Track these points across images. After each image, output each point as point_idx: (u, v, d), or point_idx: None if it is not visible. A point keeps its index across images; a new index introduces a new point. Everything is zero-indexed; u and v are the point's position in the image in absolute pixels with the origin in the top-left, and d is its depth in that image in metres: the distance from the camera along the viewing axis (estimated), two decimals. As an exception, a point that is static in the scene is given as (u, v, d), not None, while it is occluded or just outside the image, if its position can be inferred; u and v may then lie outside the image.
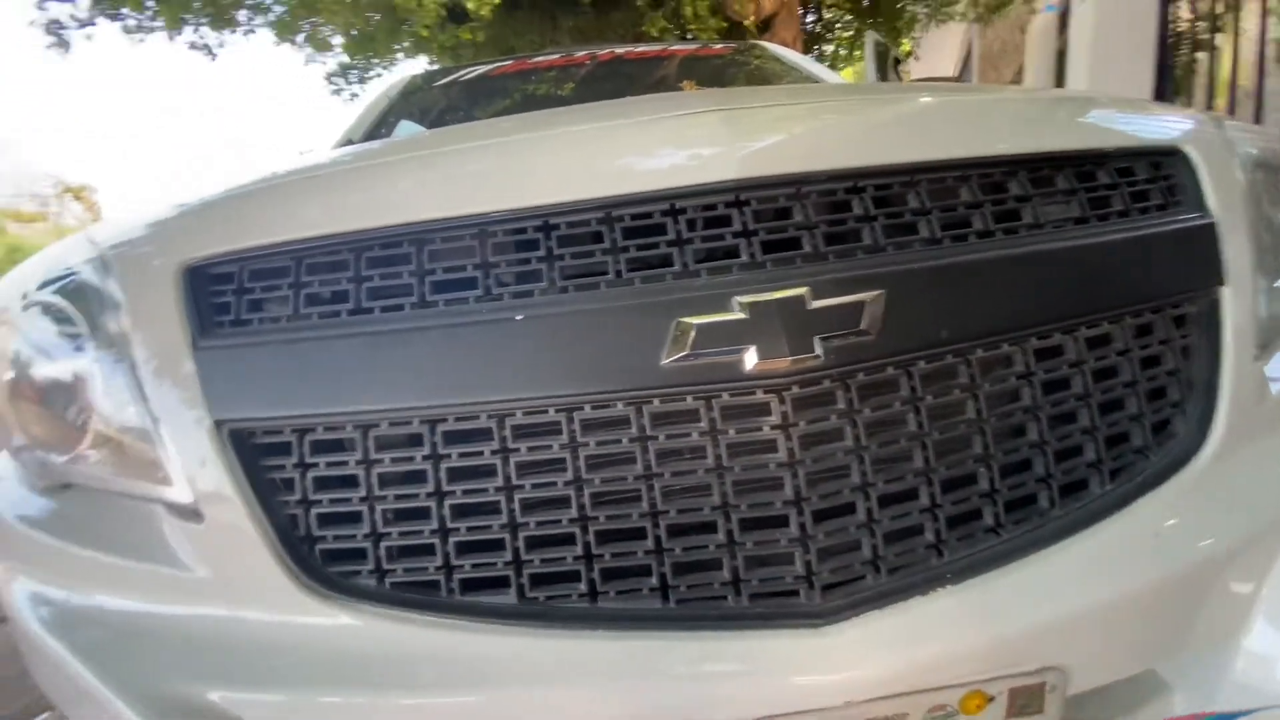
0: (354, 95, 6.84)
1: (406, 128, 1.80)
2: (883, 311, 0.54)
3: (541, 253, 0.57)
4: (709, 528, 0.54)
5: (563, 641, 0.52)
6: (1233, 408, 0.63)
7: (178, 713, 0.49)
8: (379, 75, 6.88)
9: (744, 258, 0.55)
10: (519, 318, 0.54)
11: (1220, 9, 2.61)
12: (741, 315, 0.52)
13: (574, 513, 0.54)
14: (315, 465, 0.56)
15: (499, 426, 0.54)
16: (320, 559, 0.56)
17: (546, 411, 0.54)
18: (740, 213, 0.56)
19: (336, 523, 0.56)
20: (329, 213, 0.60)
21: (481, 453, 0.54)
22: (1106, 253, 0.63)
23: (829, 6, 7.02)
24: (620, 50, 2.39)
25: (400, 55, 6.69)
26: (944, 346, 0.56)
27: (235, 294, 0.60)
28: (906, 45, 7.16)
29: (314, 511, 0.56)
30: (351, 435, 0.56)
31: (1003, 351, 0.59)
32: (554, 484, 0.54)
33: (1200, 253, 0.66)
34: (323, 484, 0.56)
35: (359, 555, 0.56)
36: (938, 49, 8.99)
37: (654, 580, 0.53)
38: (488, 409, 0.54)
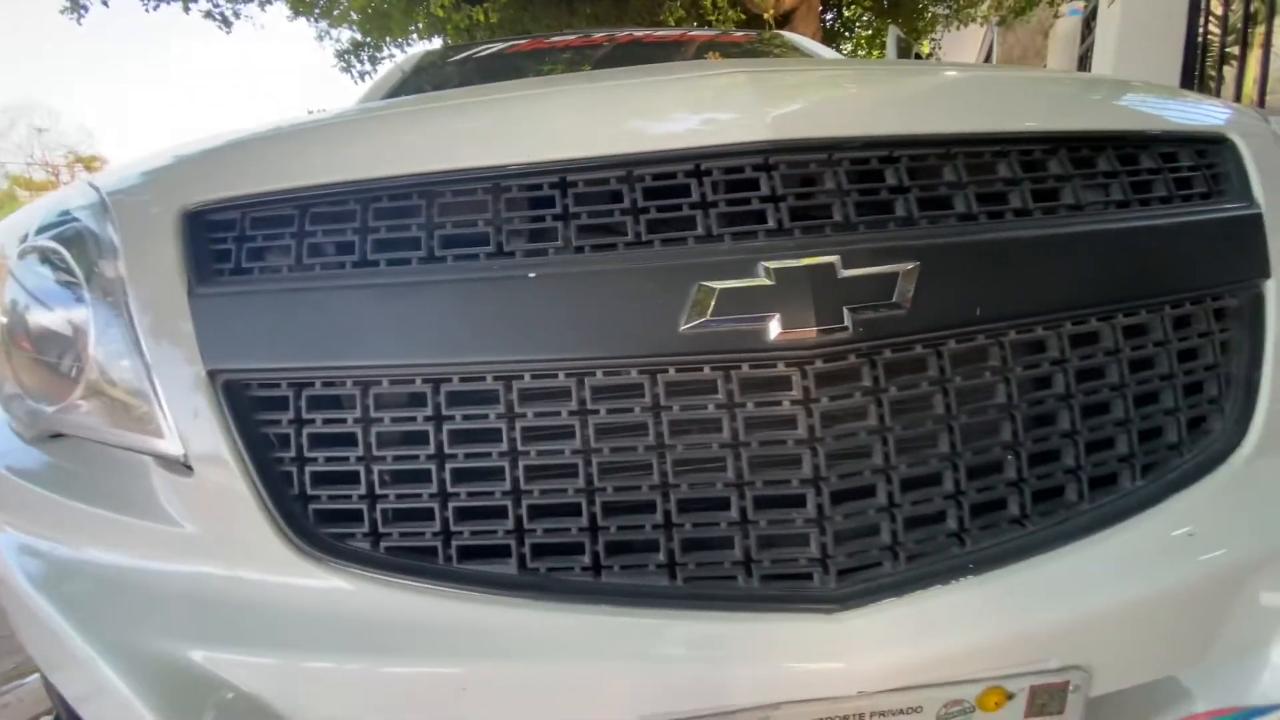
0: (364, 74, 6.80)
1: None
2: (916, 285, 0.51)
3: (557, 210, 0.54)
4: (721, 504, 0.51)
5: (563, 615, 0.49)
6: (1273, 407, 0.60)
7: (158, 671, 0.46)
8: (391, 56, 6.83)
9: (771, 224, 0.52)
10: (531, 276, 0.51)
11: (1248, 24, 2.55)
12: (767, 281, 0.49)
13: (580, 482, 0.51)
14: (311, 421, 0.54)
15: (505, 389, 0.52)
16: (313, 519, 0.53)
17: (556, 375, 0.52)
18: (769, 177, 0.54)
19: (331, 482, 0.54)
20: (337, 161, 0.58)
21: (486, 415, 0.52)
22: (1147, 238, 0.60)
23: (849, 4, 6.94)
24: (639, 33, 2.34)
25: (414, 35, 6.64)
26: (977, 326, 0.54)
27: (236, 241, 0.58)
28: (925, 46, 7.08)
29: (308, 470, 0.53)
30: (350, 392, 0.53)
31: (1036, 335, 0.56)
32: (561, 451, 0.52)
33: (1245, 244, 0.63)
34: (318, 441, 0.54)
35: (354, 517, 0.53)
36: (957, 51, 8.89)
37: (661, 556, 0.51)
38: (494, 370, 0.52)
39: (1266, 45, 2.30)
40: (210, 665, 0.48)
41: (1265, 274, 0.62)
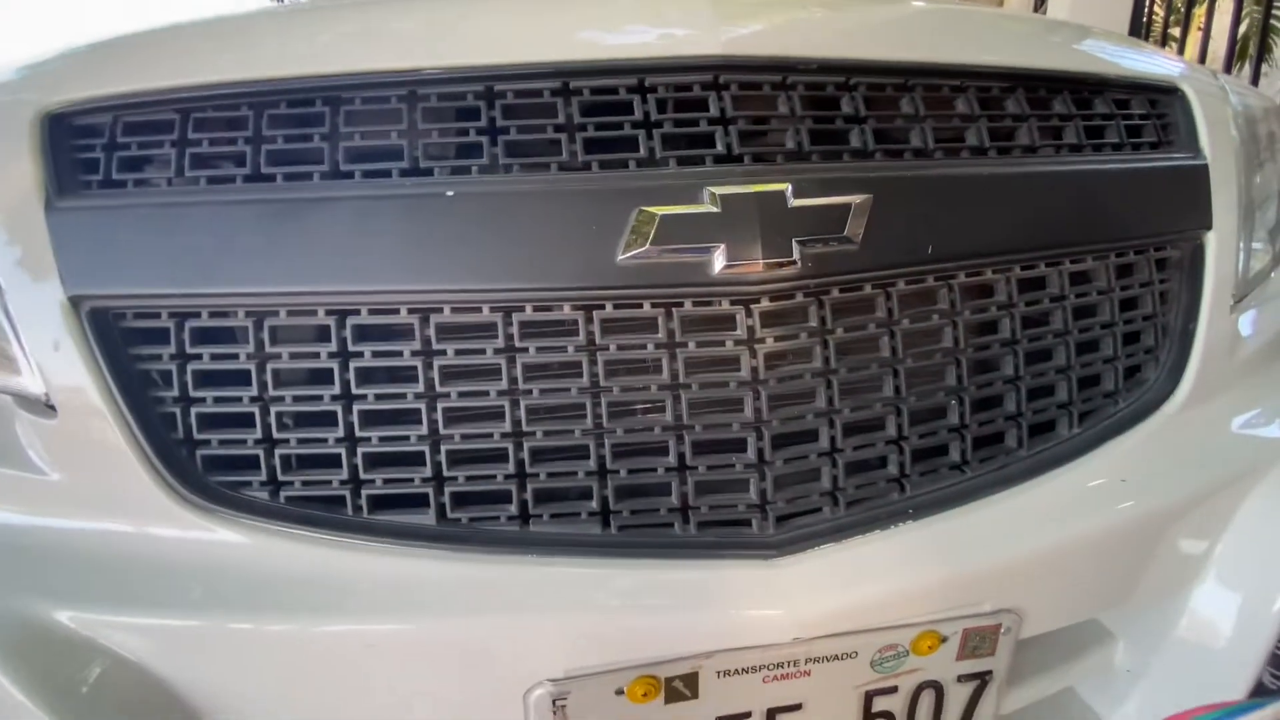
0: None
1: None
2: (868, 219, 0.48)
3: (482, 124, 0.48)
4: (658, 449, 0.48)
5: (487, 566, 0.46)
6: (1206, 359, 0.61)
7: (18, 634, 0.40)
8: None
9: (719, 148, 0.48)
10: (449, 194, 0.46)
11: (1181, 4, 2.62)
12: (712, 208, 0.45)
13: (507, 426, 0.47)
14: (197, 357, 0.47)
15: (422, 323, 0.47)
16: (201, 466, 0.48)
17: (480, 309, 0.47)
18: (718, 97, 0.49)
19: (221, 425, 0.48)
20: (228, 59, 0.50)
21: (400, 353, 0.47)
22: (1098, 184, 0.59)
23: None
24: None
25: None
26: (927, 266, 0.51)
27: (105, 149, 0.49)
28: None
29: (194, 411, 0.47)
30: (243, 323, 0.47)
31: (985, 278, 0.55)
32: (485, 393, 0.47)
33: (1190, 195, 0.62)
34: (206, 379, 0.48)
35: (248, 464, 0.48)
36: None
37: (594, 504, 0.48)
38: (409, 302, 0.47)
39: (1206, 28, 2.37)
40: (81, 627, 0.42)
41: (1207, 226, 0.62)
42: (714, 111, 0.49)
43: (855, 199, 0.48)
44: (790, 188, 0.46)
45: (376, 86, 0.49)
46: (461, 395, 0.47)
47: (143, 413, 0.47)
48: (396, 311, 0.47)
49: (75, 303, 0.46)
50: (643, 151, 0.48)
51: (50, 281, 0.46)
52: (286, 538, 0.46)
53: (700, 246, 0.45)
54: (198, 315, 0.47)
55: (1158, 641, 0.59)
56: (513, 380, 0.47)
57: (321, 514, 0.47)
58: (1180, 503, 0.56)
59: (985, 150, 0.55)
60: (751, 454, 0.48)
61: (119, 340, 0.47)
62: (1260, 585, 0.56)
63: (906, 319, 0.51)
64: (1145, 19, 2.75)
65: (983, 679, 0.51)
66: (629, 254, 0.45)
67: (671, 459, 0.48)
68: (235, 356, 0.47)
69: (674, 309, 0.47)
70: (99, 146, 0.50)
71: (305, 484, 0.47)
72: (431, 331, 0.46)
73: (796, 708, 0.48)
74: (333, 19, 0.53)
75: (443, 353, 0.47)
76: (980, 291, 0.55)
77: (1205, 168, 0.62)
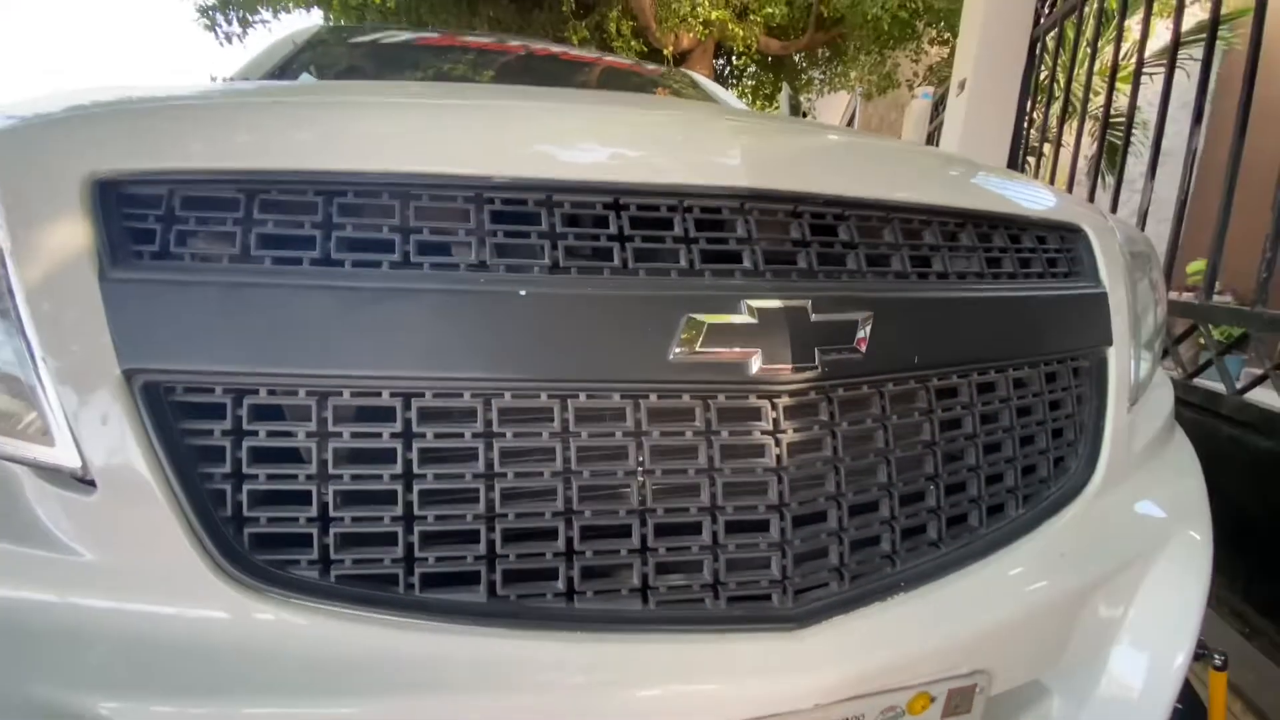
0: (230, 35, 6.11)
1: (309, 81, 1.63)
2: (870, 332, 0.57)
3: (543, 228, 0.54)
4: (693, 529, 0.53)
5: (537, 643, 0.48)
6: (1113, 450, 0.74)
7: None
8: (265, 23, 6.21)
9: (747, 264, 0.56)
10: (522, 293, 0.50)
11: (1052, 124, 3.12)
12: (750, 319, 0.52)
13: (559, 506, 0.50)
14: (254, 434, 0.48)
15: (484, 407, 0.50)
16: (249, 545, 0.47)
17: (539, 396, 0.51)
18: (745, 221, 0.57)
19: (272, 503, 0.48)
20: (298, 146, 0.53)
21: (463, 435, 0.50)
22: (1031, 306, 0.72)
23: (739, 55, 7.47)
24: (556, 49, 2.35)
25: (292, 4, 6.09)
26: (911, 371, 0.61)
27: (161, 221, 0.50)
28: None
29: (246, 488, 0.48)
30: (304, 402, 0.48)
31: (953, 382, 0.65)
32: (540, 474, 0.51)
33: (1095, 316, 0.77)
34: (260, 456, 0.48)
35: (298, 542, 0.48)
36: (826, 113, 9.89)
37: (635, 580, 0.52)
38: (473, 387, 0.50)
39: (1056, 145, 2.81)
40: (122, 718, 0.40)
41: (1108, 341, 0.77)
42: (741, 232, 0.57)
43: (861, 315, 0.57)
44: (810, 303, 0.55)
45: (445, 186, 0.53)
46: (517, 475, 0.50)
47: (190, 489, 0.46)
48: (460, 395, 0.50)
49: (129, 376, 0.46)
50: (683, 263, 0.55)
51: (103, 353, 0.46)
52: (338, 617, 0.46)
53: (740, 350, 0.52)
54: (255, 392, 0.48)
55: (1085, 697, 0.69)
56: (566, 461, 0.51)
57: (373, 592, 0.48)
58: (1102, 575, 0.67)
59: (947, 275, 0.67)
60: (775, 533, 0.54)
61: (170, 415, 0.47)
62: (1164, 646, 0.67)
63: (896, 415, 0.60)
64: (1025, 135, 3.24)
65: (961, 735, 0.58)
66: (678, 353, 0.51)
67: (706, 538, 0.53)
68: (293, 434, 0.48)
69: (710, 401, 0.53)
70: (152, 218, 0.50)
71: (356, 562, 0.48)
72: (493, 415, 0.50)
73: (810, 769, 0.53)
74: (403, 115, 0.57)
75: (502, 435, 0.50)
76: (949, 393, 0.65)
77: (1105, 295, 0.78)
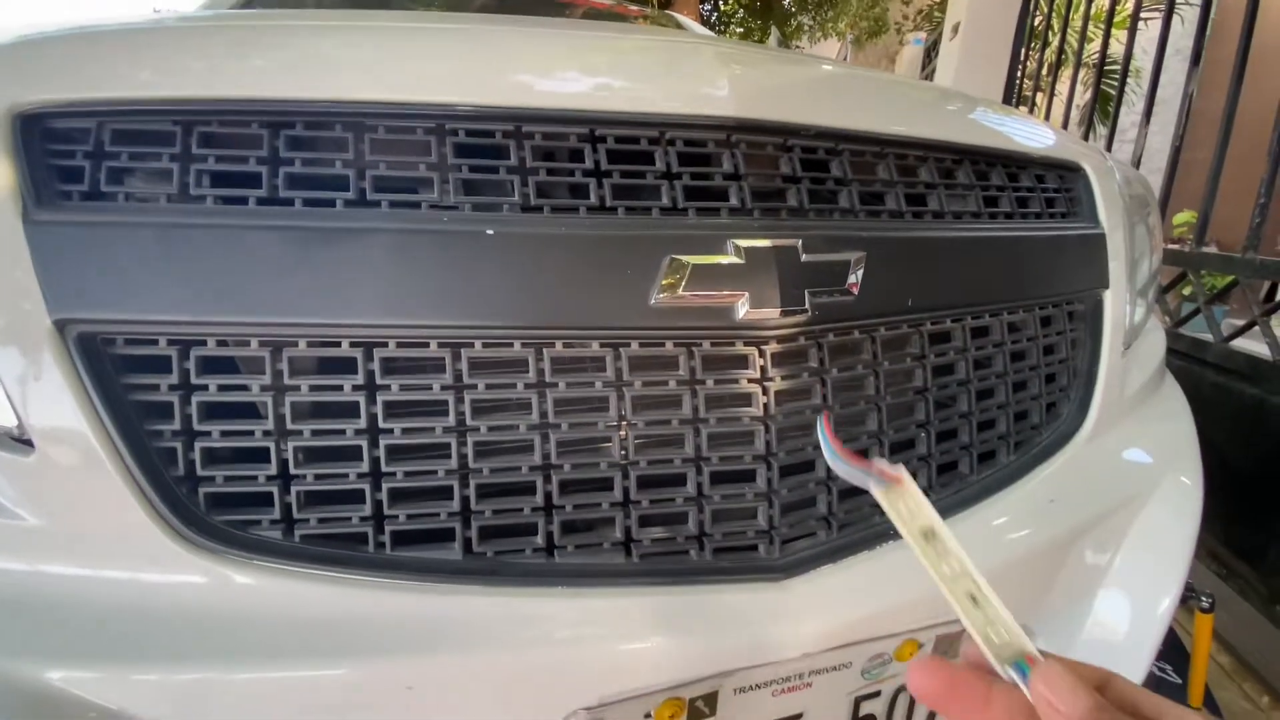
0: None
1: None
2: (863, 274, 0.54)
3: (512, 162, 0.49)
4: (678, 480, 0.51)
5: (516, 600, 0.46)
6: (1105, 396, 0.72)
7: (5, 699, 0.36)
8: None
9: (734, 201, 0.52)
10: (489, 232, 0.47)
11: (1044, 72, 3.04)
12: (737, 259, 0.49)
13: (537, 460, 0.48)
14: (203, 388, 0.45)
15: (453, 358, 0.47)
16: (204, 505, 0.45)
17: (512, 345, 0.48)
18: (732, 154, 0.53)
19: (228, 461, 0.45)
20: (243, 72, 0.48)
21: (430, 387, 0.47)
22: (1028, 248, 0.69)
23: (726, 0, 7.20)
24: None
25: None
26: (904, 315, 0.58)
27: (90, 158, 0.46)
28: (791, 52, 7.56)
29: (199, 446, 0.44)
30: (258, 354, 0.45)
31: (946, 326, 0.63)
32: (515, 427, 0.48)
33: (1093, 259, 0.75)
34: (212, 412, 0.45)
35: (257, 501, 0.45)
36: (815, 62, 9.61)
37: (617, 534, 0.50)
38: (440, 336, 0.47)
39: (1051, 91, 2.74)
40: (72, 687, 0.38)
41: (1105, 285, 0.74)
42: (727, 167, 0.53)
43: (853, 255, 0.54)
44: (801, 243, 0.51)
45: (404, 116, 0.49)
46: (491, 429, 0.48)
47: (136, 447, 0.43)
48: (425, 345, 0.47)
49: (61, 327, 0.42)
50: (665, 200, 0.51)
51: (30, 302, 0.42)
52: (304, 578, 0.44)
53: (726, 293, 0.49)
54: (203, 343, 0.45)
55: (1070, 640, 0.70)
56: (543, 414, 0.48)
57: (342, 552, 0.45)
58: (1090, 520, 0.67)
59: (943, 215, 0.64)
60: (761, 484, 0.52)
61: (110, 368, 0.43)
62: (1149, 591, 0.67)
63: (887, 361, 0.58)
64: (1018, 83, 3.16)
65: (947, 680, 0.58)
66: (661, 298, 0.48)
67: (690, 489, 0.51)
68: (247, 388, 0.45)
69: (694, 348, 0.51)
70: (80, 154, 0.46)
71: (321, 521, 0.46)
72: (463, 365, 0.47)
73: (798, 717, 0.52)
74: (358, 38, 0.52)
75: (473, 386, 0.47)
76: (942, 338, 0.63)
77: (1104, 237, 0.75)
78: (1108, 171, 0.80)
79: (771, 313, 0.50)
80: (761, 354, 0.52)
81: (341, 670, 0.41)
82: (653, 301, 0.48)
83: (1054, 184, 0.76)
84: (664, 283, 0.48)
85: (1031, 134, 0.77)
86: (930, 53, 4.39)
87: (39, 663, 0.38)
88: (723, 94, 0.53)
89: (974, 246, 0.64)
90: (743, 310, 0.49)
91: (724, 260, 0.49)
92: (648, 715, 0.46)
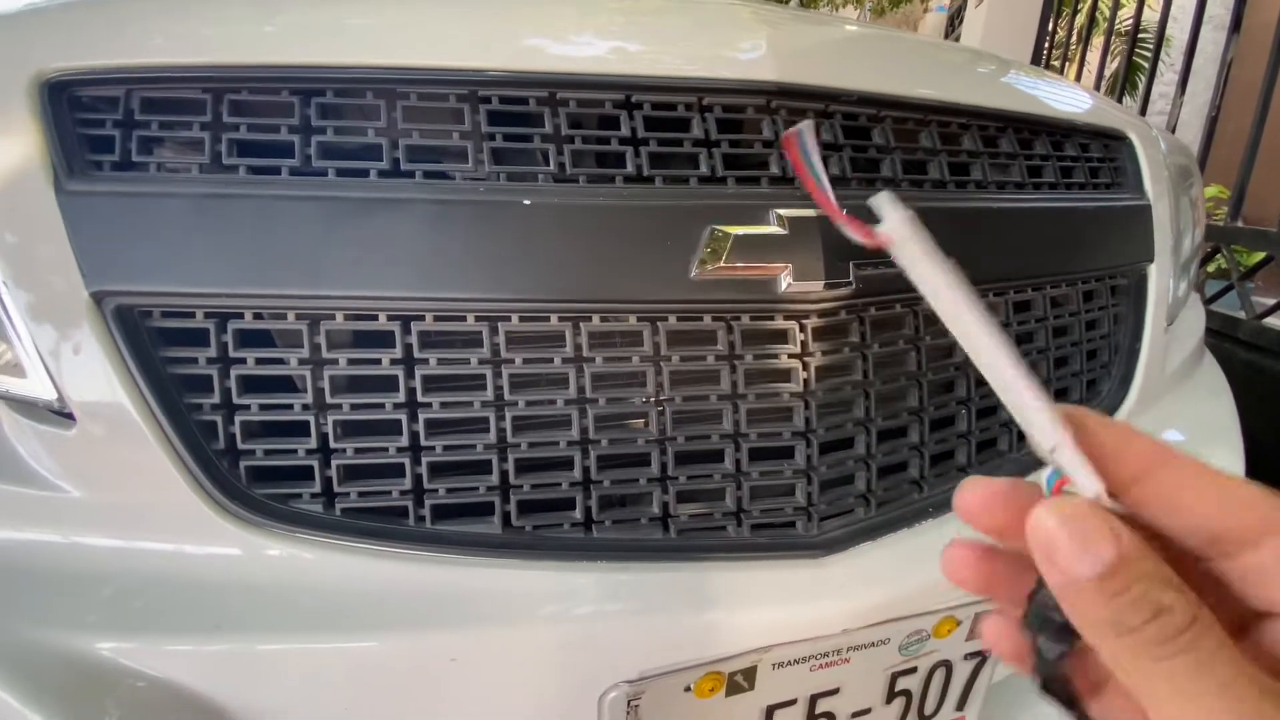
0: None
1: None
2: (907, 245, 0.52)
3: (547, 130, 0.48)
4: (716, 456, 0.50)
5: (555, 574, 0.46)
6: (1148, 373, 0.71)
7: (55, 670, 0.36)
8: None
9: (774, 170, 0.51)
10: (526, 203, 0.45)
11: (1074, 40, 2.94)
12: (780, 230, 0.48)
13: (574, 435, 0.47)
14: (241, 361, 0.44)
15: (490, 332, 0.46)
16: (245, 478, 0.45)
17: (548, 319, 0.47)
18: (772, 121, 0.52)
19: (269, 434, 0.45)
20: (274, 40, 0.47)
21: (469, 361, 0.46)
22: (1073, 220, 0.67)
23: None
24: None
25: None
26: (948, 289, 0.57)
27: (121, 126, 0.45)
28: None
29: (239, 419, 0.44)
30: (295, 327, 0.44)
31: (989, 301, 0.61)
32: (553, 401, 0.47)
33: (1138, 231, 0.72)
34: (251, 385, 0.45)
35: (299, 475, 0.45)
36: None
37: (655, 509, 0.49)
38: (477, 309, 0.46)
39: (1081, 60, 2.65)
40: (121, 657, 0.38)
41: (1150, 258, 0.72)
42: (768, 134, 0.51)
43: (898, 226, 0.52)
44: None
45: (435, 82, 0.47)
46: (529, 404, 0.47)
47: (177, 420, 0.43)
48: (463, 318, 0.46)
49: (98, 299, 0.42)
50: (704, 169, 0.50)
51: (67, 275, 0.41)
52: (345, 550, 0.44)
53: (769, 265, 0.47)
54: (240, 316, 0.44)
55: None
56: (580, 389, 0.47)
57: (382, 525, 0.45)
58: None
59: (986, 185, 0.62)
60: (800, 460, 0.51)
61: (149, 341, 0.43)
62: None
63: (929, 336, 0.57)
64: (1046, 52, 3.06)
65: (983, 655, 0.58)
66: (702, 270, 0.47)
67: (729, 465, 0.50)
68: (285, 361, 0.44)
69: (733, 323, 0.49)
70: (110, 123, 0.45)
71: (361, 494, 0.46)
72: (500, 340, 0.46)
73: (835, 691, 0.52)
74: (392, 5, 0.51)
75: (511, 360, 0.46)
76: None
77: (1149, 208, 0.73)
78: (1153, 140, 0.77)
79: (815, 285, 0.48)
80: (802, 328, 0.50)
81: (383, 642, 0.41)
82: (693, 274, 0.46)
83: (1099, 153, 0.73)
84: (705, 254, 0.46)
85: (1075, 100, 0.74)
86: (955, 20, 4.25)
87: (89, 635, 0.38)
88: (761, 57, 0.51)
89: (1018, 218, 0.62)
90: (785, 282, 0.48)
91: (766, 231, 0.47)
92: (688, 689, 0.46)
